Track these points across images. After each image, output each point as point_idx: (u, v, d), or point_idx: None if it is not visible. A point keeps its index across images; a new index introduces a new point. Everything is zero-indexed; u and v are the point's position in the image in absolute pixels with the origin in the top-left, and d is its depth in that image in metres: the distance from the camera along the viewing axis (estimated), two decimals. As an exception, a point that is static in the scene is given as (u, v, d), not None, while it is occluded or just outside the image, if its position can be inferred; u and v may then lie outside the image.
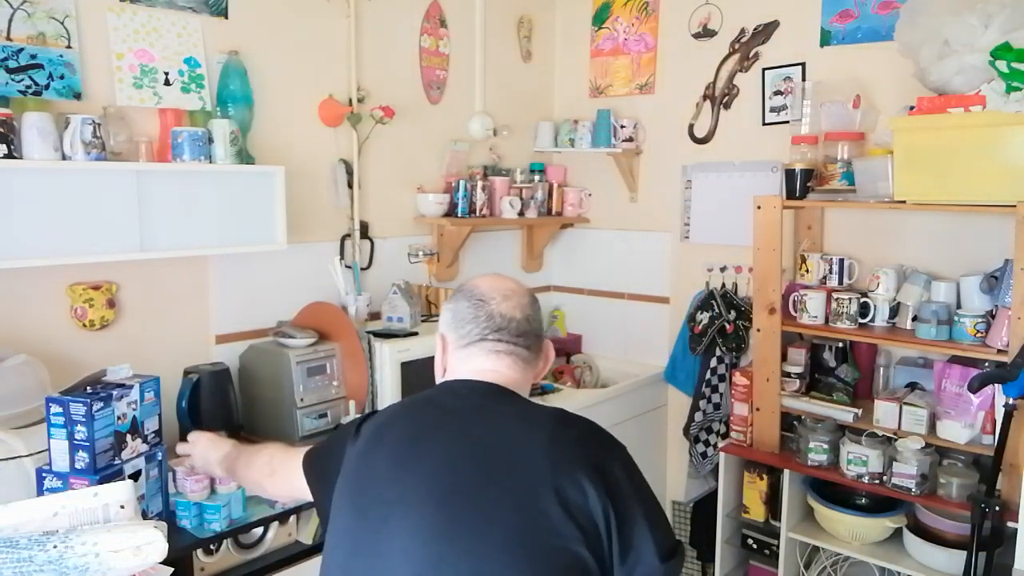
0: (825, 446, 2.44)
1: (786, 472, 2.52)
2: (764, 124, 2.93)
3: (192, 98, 2.23)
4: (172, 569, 1.42)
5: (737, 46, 2.98)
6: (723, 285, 3.04)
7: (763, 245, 2.51)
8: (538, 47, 3.44)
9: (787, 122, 2.84)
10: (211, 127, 2.15)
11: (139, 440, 1.69)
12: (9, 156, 1.78)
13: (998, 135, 2.05)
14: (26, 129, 1.82)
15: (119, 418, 1.64)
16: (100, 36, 2.06)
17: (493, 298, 1.27)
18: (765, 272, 2.52)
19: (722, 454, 2.73)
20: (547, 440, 1.13)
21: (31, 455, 1.64)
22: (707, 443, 3.07)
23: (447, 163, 3.05)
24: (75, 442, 1.56)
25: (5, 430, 1.67)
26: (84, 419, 1.55)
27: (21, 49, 1.89)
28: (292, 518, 1.96)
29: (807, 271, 2.62)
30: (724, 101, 3.04)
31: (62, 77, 1.97)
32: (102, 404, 1.59)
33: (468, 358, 1.27)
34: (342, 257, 2.68)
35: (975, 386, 2.04)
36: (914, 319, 2.36)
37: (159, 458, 1.77)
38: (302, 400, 2.25)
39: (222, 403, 2.20)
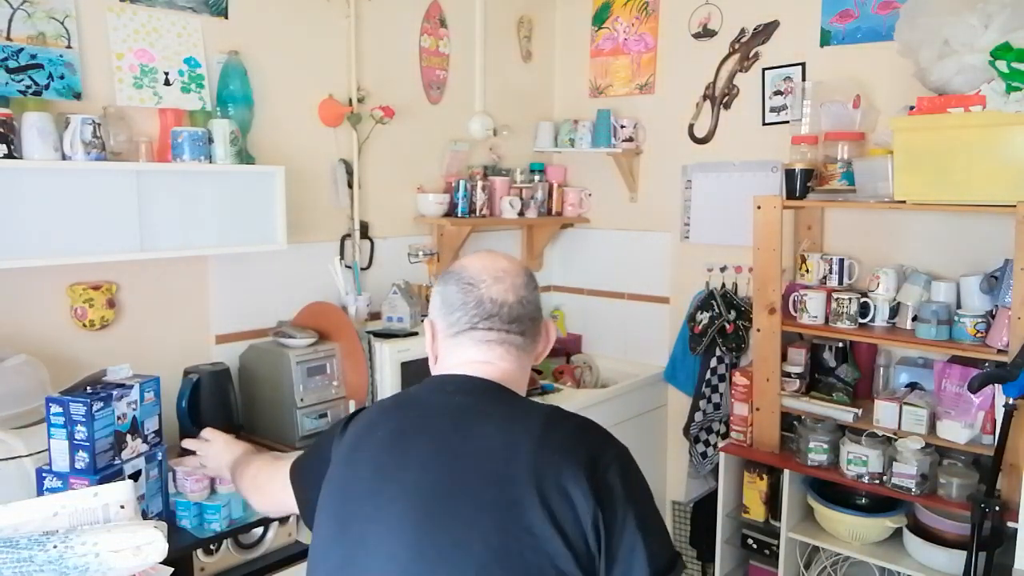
0: (825, 446, 2.44)
1: (786, 472, 2.52)
2: (764, 124, 2.93)
3: (192, 98, 2.23)
4: (172, 569, 1.42)
5: (737, 46, 2.98)
6: (723, 285, 3.04)
7: (763, 245, 2.51)
8: (538, 47, 3.44)
9: (787, 122, 2.84)
10: (211, 127, 2.15)
11: (139, 440, 1.69)
12: (9, 156, 1.78)
13: (998, 135, 2.05)
14: (26, 129, 1.82)
15: (119, 418, 1.64)
16: (100, 36, 2.06)
17: (483, 280, 1.16)
18: (765, 272, 2.52)
19: (722, 454, 2.73)
20: (534, 445, 1.03)
21: (31, 455, 1.64)
22: (707, 443, 3.07)
23: (447, 163, 3.05)
24: (75, 442, 1.56)
25: (5, 430, 1.67)
26: (84, 419, 1.55)
27: (21, 49, 1.89)
28: (292, 518, 1.96)
29: (807, 271, 2.63)
30: (724, 101, 3.04)
31: (62, 77, 1.97)
32: (102, 404, 1.59)
33: (458, 348, 1.17)
34: (342, 257, 2.68)
35: (975, 386, 2.04)
36: (914, 319, 2.36)
37: (159, 458, 1.77)
38: (302, 400, 2.25)
39: (222, 403, 2.20)
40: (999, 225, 2.29)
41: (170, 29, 2.19)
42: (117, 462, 1.63)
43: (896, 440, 2.32)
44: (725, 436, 2.92)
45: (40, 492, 1.58)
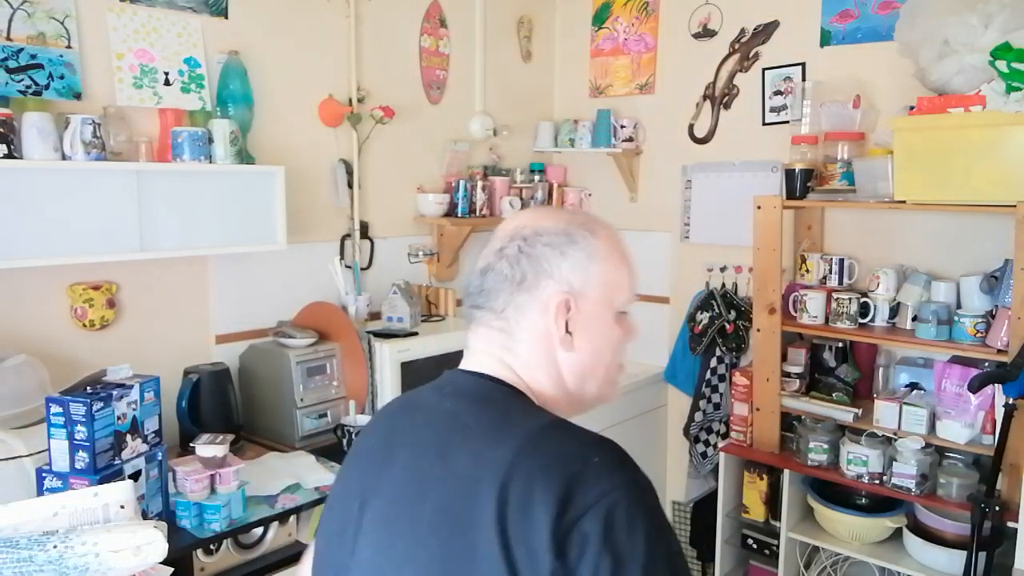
0: (825, 446, 2.44)
1: (786, 472, 2.52)
2: (764, 124, 2.93)
3: (192, 98, 2.23)
4: (172, 569, 1.42)
5: (737, 46, 2.98)
6: (723, 285, 3.04)
7: (763, 245, 2.51)
8: (538, 47, 3.44)
9: (787, 122, 2.84)
10: (211, 127, 2.15)
11: (139, 440, 1.69)
12: (9, 156, 1.78)
13: (998, 135, 2.05)
14: (26, 129, 1.82)
15: (119, 418, 1.64)
16: (100, 36, 2.06)
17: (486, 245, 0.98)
18: (765, 272, 2.52)
19: (722, 454, 2.73)
20: (502, 479, 0.79)
21: (31, 455, 1.64)
22: (707, 443, 3.07)
23: (447, 163, 3.05)
24: (75, 442, 1.56)
25: (5, 430, 1.67)
26: (84, 419, 1.55)
27: (21, 49, 1.89)
28: (292, 518, 1.96)
29: (807, 271, 2.63)
30: (724, 101, 3.04)
31: (62, 77, 1.97)
32: (102, 404, 1.59)
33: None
34: (342, 257, 2.68)
35: (975, 386, 2.04)
36: (914, 319, 2.36)
37: (159, 458, 1.77)
38: (302, 400, 2.25)
39: (222, 403, 2.20)
40: (999, 225, 2.29)
41: (170, 29, 2.19)
42: (117, 462, 1.63)
43: (896, 440, 2.32)
44: (725, 436, 2.92)
45: (40, 492, 1.58)
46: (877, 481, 2.33)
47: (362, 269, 2.75)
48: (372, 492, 0.91)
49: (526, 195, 3.21)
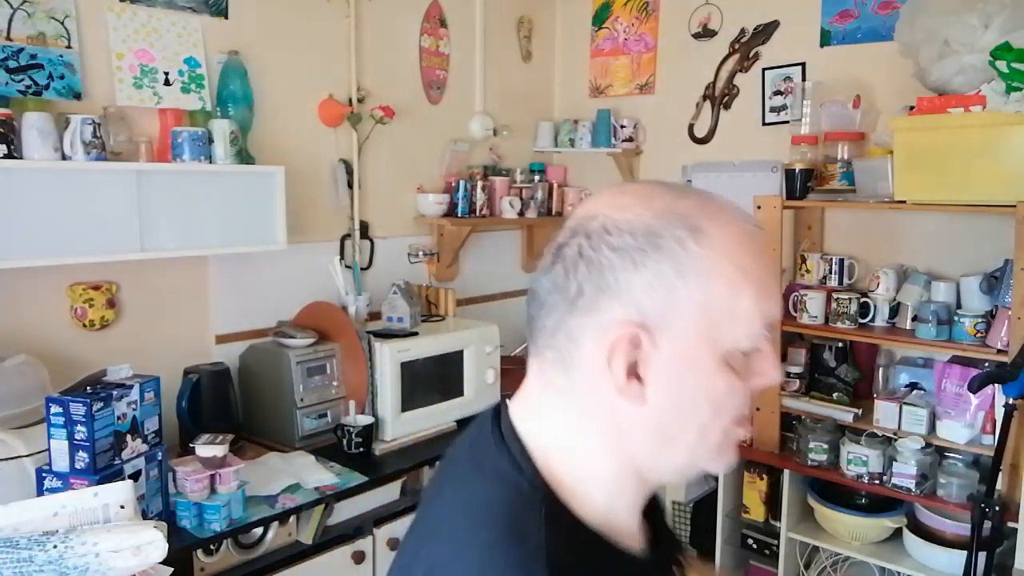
0: (825, 446, 2.44)
1: (786, 472, 2.52)
2: (764, 124, 2.93)
3: (192, 98, 2.23)
4: (172, 569, 1.42)
5: (737, 46, 2.98)
6: (723, 285, 3.03)
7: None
8: (538, 47, 3.44)
9: (787, 122, 2.84)
10: (211, 127, 2.15)
11: (139, 440, 1.69)
12: (9, 156, 1.78)
13: (998, 135, 2.05)
14: (26, 129, 1.82)
15: (119, 418, 1.64)
16: (100, 36, 2.06)
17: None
18: (765, 272, 2.52)
19: (722, 454, 2.72)
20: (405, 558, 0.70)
21: (31, 455, 1.64)
22: (707, 443, 3.07)
23: (447, 163, 3.05)
24: (75, 442, 1.56)
25: (5, 430, 1.67)
26: (84, 419, 1.55)
27: (21, 49, 1.89)
28: (292, 518, 1.96)
29: (807, 271, 2.63)
30: (724, 101, 3.04)
31: (62, 77, 1.97)
32: (102, 404, 1.59)
33: None
34: (342, 257, 2.68)
35: (975, 386, 2.04)
36: (914, 319, 2.36)
37: (159, 458, 1.77)
38: (302, 400, 2.25)
39: (222, 403, 2.21)
40: (999, 225, 2.29)
41: (170, 29, 2.19)
42: (117, 462, 1.63)
43: (896, 440, 2.32)
44: (725, 436, 2.92)
45: (40, 492, 1.58)
46: (877, 481, 2.33)
47: (362, 269, 2.75)
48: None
49: (526, 195, 3.21)
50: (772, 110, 2.90)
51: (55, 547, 1.24)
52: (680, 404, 0.66)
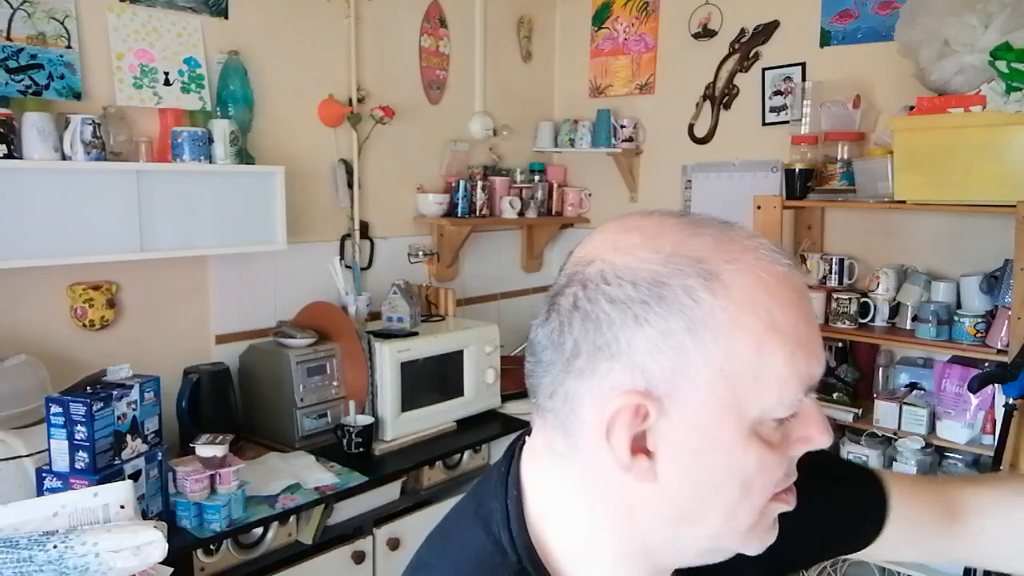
0: (825, 446, 2.44)
1: (786, 472, 2.52)
2: (764, 124, 2.93)
3: (192, 98, 2.23)
4: (172, 569, 1.42)
5: (737, 46, 2.98)
6: (723, 285, 3.03)
7: (763, 245, 2.51)
8: (538, 47, 3.44)
9: (787, 122, 2.84)
10: (211, 127, 2.15)
11: (139, 440, 1.70)
12: (9, 156, 1.78)
13: (998, 135, 2.05)
14: (26, 129, 1.82)
15: (119, 418, 1.64)
16: (100, 36, 2.06)
17: None
18: (765, 272, 2.52)
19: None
20: None
21: (31, 455, 1.64)
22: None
23: (447, 163, 3.05)
24: (75, 442, 1.56)
25: (5, 430, 1.67)
26: (84, 419, 1.55)
27: (21, 49, 1.89)
28: (292, 518, 1.96)
29: (807, 271, 2.62)
30: (724, 101, 3.04)
31: (62, 77, 1.97)
32: (102, 404, 1.59)
33: None
34: (342, 257, 2.68)
35: (975, 386, 2.04)
36: (914, 319, 2.36)
37: (159, 458, 1.77)
38: (302, 400, 2.25)
39: (222, 403, 2.20)
40: (999, 225, 2.29)
41: (170, 29, 2.19)
42: (117, 462, 1.63)
43: (896, 440, 2.32)
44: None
45: (40, 492, 1.58)
46: (877, 481, 2.33)
47: (362, 269, 2.75)
48: None
49: (526, 195, 3.21)
50: (772, 110, 2.90)
51: (55, 547, 1.24)
52: (699, 483, 0.55)
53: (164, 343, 2.25)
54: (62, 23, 1.97)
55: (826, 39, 2.74)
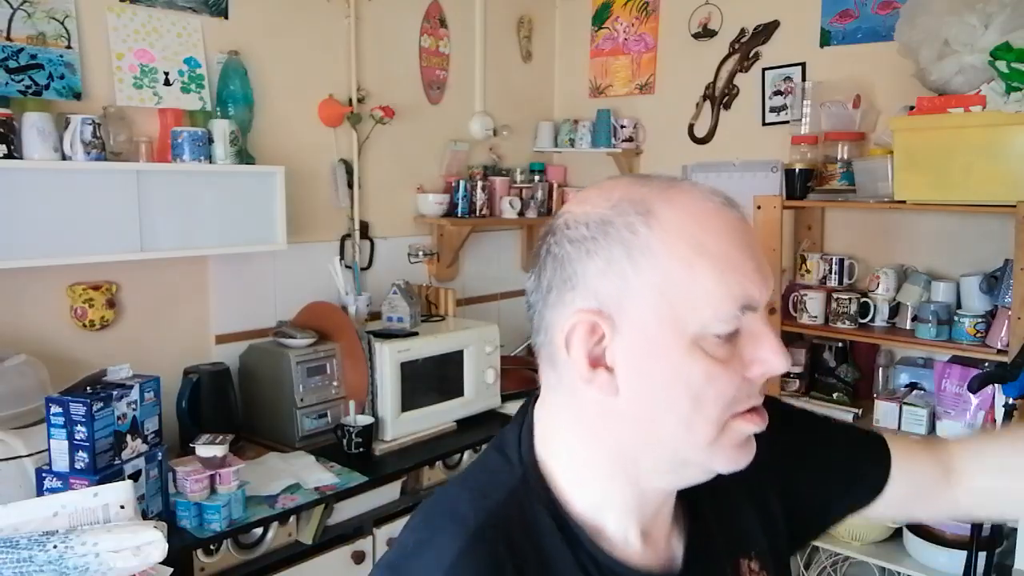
0: (825, 446, 2.44)
1: (786, 472, 2.52)
2: (764, 124, 2.93)
3: (192, 98, 2.23)
4: (172, 569, 1.42)
5: (737, 46, 2.98)
6: (723, 285, 3.03)
7: (763, 245, 2.50)
8: (538, 47, 3.44)
9: (787, 122, 2.84)
10: (211, 127, 2.15)
11: (139, 440, 1.70)
12: (9, 156, 1.78)
13: (998, 135, 2.04)
14: (26, 129, 1.82)
15: (119, 418, 1.64)
16: (100, 36, 2.06)
17: None
18: (765, 272, 2.52)
19: (722, 454, 2.72)
20: None
21: (31, 455, 1.64)
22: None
23: (447, 163, 3.05)
24: (75, 442, 1.56)
25: (5, 430, 1.67)
26: (84, 419, 1.55)
27: (21, 49, 1.89)
28: (292, 518, 1.96)
29: (807, 271, 2.63)
30: (724, 101, 3.04)
31: (62, 77, 1.97)
32: (102, 404, 1.59)
33: None
34: (342, 257, 2.68)
35: (975, 386, 2.03)
36: (914, 319, 2.36)
37: (159, 458, 1.77)
38: (302, 400, 2.25)
39: (222, 403, 2.21)
40: (999, 225, 2.29)
41: (170, 29, 2.19)
42: (117, 462, 1.63)
43: (896, 440, 2.32)
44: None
45: (40, 492, 1.58)
46: (877, 481, 2.33)
47: (362, 269, 2.75)
48: None
49: (526, 195, 3.21)
50: (772, 110, 2.90)
51: (55, 547, 1.24)
52: (653, 392, 0.64)
53: (164, 343, 2.25)
54: (62, 23, 1.97)
55: (826, 39, 2.74)
